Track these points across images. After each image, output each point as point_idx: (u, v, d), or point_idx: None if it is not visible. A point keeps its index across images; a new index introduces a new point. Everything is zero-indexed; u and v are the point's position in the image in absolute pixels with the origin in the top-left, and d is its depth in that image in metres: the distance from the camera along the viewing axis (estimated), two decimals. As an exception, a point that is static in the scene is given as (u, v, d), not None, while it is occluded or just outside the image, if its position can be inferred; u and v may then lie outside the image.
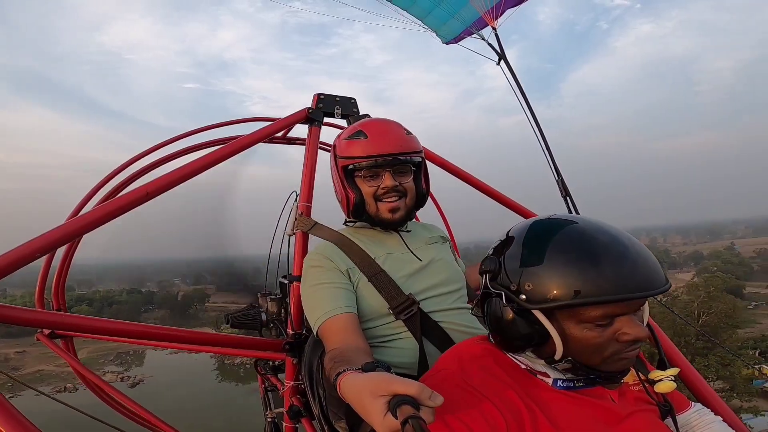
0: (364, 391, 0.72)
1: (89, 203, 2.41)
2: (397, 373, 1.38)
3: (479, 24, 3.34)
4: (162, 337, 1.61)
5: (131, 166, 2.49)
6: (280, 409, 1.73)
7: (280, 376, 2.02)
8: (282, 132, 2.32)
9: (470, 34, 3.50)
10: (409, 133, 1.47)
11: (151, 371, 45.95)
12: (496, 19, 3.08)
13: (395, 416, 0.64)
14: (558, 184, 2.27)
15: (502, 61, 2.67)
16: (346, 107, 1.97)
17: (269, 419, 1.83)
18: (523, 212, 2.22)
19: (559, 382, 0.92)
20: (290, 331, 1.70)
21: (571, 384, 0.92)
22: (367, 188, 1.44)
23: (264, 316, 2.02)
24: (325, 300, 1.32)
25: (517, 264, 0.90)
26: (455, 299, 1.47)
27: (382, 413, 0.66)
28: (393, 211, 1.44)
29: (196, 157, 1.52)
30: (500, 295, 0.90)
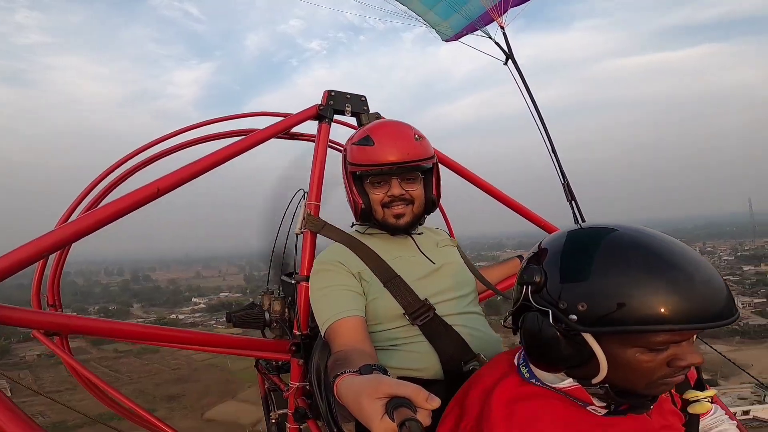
0: (362, 393, 0.72)
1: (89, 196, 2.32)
2: (415, 378, 1.35)
3: (485, 19, 3.22)
4: (164, 338, 1.57)
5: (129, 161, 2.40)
6: (284, 410, 1.72)
7: (282, 376, 2.00)
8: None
9: (473, 30, 3.42)
10: (419, 138, 1.42)
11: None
12: (502, 14, 2.99)
13: (392, 418, 0.64)
14: (564, 188, 2.27)
15: (509, 61, 2.62)
16: (357, 105, 1.92)
17: (273, 420, 1.81)
18: (529, 216, 2.22)
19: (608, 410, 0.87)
20: (297, 332, 1.67)
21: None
22: (374, 195, 1.43)
23: (268, 316, 1.99)
24: (334, 303, 1.31)
25: (566, 278, 0.81)
26: (468, 303, 1.46)
27: (379, 415, 0.66)
28: (397, 216, 1.43)
29: (205, 154, 1.47)
30: (546, 313, 0.81)
